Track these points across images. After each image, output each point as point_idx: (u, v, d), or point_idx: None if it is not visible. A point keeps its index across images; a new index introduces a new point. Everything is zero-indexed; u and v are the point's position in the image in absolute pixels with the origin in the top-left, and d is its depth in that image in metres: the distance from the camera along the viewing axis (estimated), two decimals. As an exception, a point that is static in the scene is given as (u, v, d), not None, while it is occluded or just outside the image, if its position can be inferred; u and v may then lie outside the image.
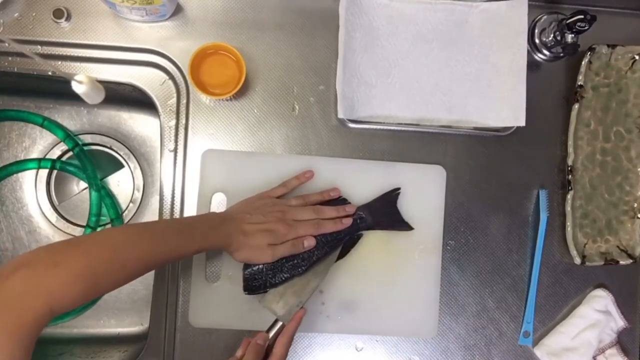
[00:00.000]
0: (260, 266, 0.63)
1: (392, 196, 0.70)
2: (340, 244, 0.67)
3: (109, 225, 0.84)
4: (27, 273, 0.43)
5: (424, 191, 0.72)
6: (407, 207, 0.71)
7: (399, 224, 0.70)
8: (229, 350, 0.69)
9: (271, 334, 0.60)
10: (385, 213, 0.70)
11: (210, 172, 0.70)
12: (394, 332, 0.71)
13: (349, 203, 0.69)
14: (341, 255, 0.68)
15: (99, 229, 0.83)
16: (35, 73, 0.70)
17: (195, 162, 0.70)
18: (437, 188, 0.72)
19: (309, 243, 0.64)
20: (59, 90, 0.74)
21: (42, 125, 0.82)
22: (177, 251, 0.56)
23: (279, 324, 0.61)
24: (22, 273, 0.43)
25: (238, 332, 0.69)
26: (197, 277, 0.68)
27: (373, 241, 0.70)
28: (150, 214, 0.88)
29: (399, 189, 0.71)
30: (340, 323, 0.69)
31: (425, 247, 0.71)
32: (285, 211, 0.64)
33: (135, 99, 0.76)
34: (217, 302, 0.68)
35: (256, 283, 0.63)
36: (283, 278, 0.63)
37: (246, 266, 0.64)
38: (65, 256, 0.46)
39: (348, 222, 0.67)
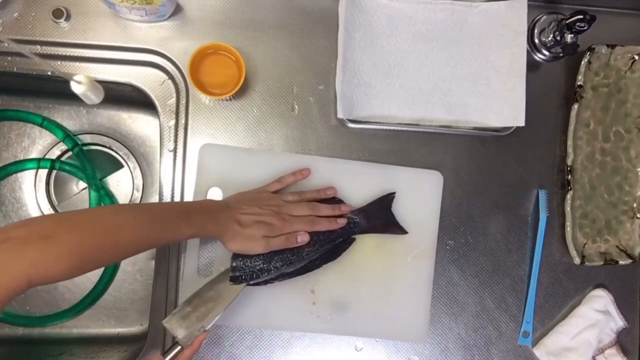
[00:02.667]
0: (249, 260, 0.63)
1: (386, 200, 0.70)
2: (332, 244, 0.67)
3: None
4: (15, 242, 0.43)
5: (420, 196, 0.72)
6: (402, 211, 0.71)
7: (394, 227, 0.70)
8: (229, 349, 0.69)
9: (168, 357, 0.59)
10: (379, 216, 0.70)
11: (208, 166, 0.69)
12: (384, 335, 0.71)
13: (344, 204, 0.69)
14: (333, 258, 0.68)
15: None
16: (34, 73, 0.70)
17: (195, 162, 0.70)
18: (433, 193, 0.72)
19: (303, 238, 0.64)
20: (59, 90, 0.74)
21: (41, 125, 0.82)
22: (171, 236, 0.56)
23: (178, 347, 0.59)
24: (10, 242, 0.42)
25: (238, 330, 0.69)
26: (189, 272, 0.68)
27: (367, 243, 0.70)
28: (150, 214, 0.87)
29: (394, 193, 0.71)
30: (330, 324, 0.69)
31: (419, 252, 0.71)
32: (281, 205, 0.65)
33: (134, 99, 0.76)
34: None
35: (242, 274, 0.63)
36: (270, 271, 0.64)
37: (235, 256, 0.64)
38: (56, 231, 0.45)
39: (342, 222, 0.67)
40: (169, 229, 0.55)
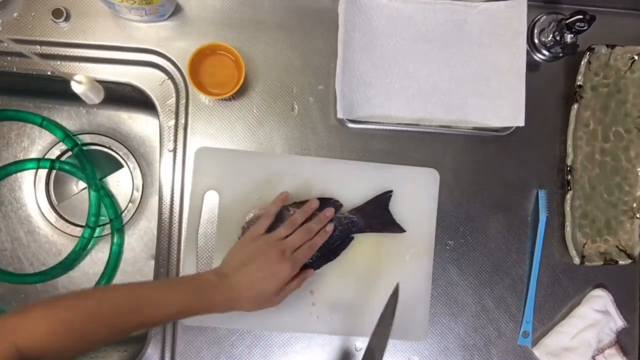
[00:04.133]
0: None
1: (383, 199, 0.70)
2: (332, 247, 0.67)
3: (108, 226, 0.84)
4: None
5: (416, 194, 0.72)
6: (399, 209, 0.71)
7: (391, 226, 0.70)
8: (229, 349, 0.69)
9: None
10: (376, 215, 0.70)
11: (204, 170, 0.69)
12: None
13: (340, 204, 0.69)
14: (332, 257, 0.68)
15: (98, 229, 0.83)
16: (34, 73, 0.70)
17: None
18: (430, 191, 0.72)
19: (310, 275, 0.65)
20: (58, 90, 0.74)
21: (41, 125, 0.82)
22: (165, 308, 0.53)
23: None
24: None
25: (237, 330, 0.69)
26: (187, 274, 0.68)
27: (365, 243, 0.70)
28: (150, 214, 0.87)
29: (391, 191, 0.71)
30: (330, 324, 0.69)
31: (417, 250, 0.71)
32: (280, 246, 0.61)
33: (134, 99, 0.76)
34: None
35: None
36: None
37: None
38: (32, 306, 0.47)
39: (330, 228, 0.66)
40: (159, 299, 0.53)
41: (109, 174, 0.88)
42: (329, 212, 0.67)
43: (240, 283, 0.58)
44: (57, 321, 0.47)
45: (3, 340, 0.43)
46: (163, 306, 0.53)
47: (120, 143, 0.88)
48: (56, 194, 0.87)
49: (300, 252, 0.63)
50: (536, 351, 0.73)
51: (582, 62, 0.72)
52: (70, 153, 0.85)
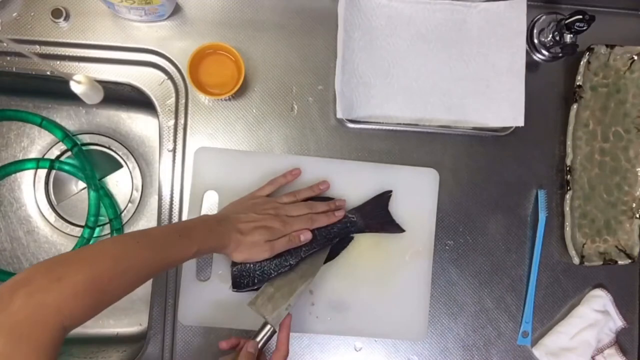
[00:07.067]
0: (249, 264, 0.63)
1: (383, 198, 0.70)
2: (330, 243, 0.67)
3: (107, 225, 0.84)
4: (29, 292, 0.41)
5: (416, 193, 0.72)
6: (399, 209, 0.71)
7: (390, 226, 0.70)
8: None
9: (258, 338, 0.60)
10: (376, 215, 0.70)
11: (203, 169, 0.69)
12: (384, 334, 0.71)
13: None
14: (330, 257, 0.68)
15: (97, 229, 0.83)
16: (33, 73, 0.70)
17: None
18: (429, 191, 0.72)
19: (306, 237, 0.64)
20: (58, 90, 0.74)
21: (40, 125, 0.82)
22: (177, 255, 0.55)
23: (267, 327, 0.60)
24: (22, 293, 0.41)
25: (238, 332, 0.69)
26: (187, 276, 0.68)
27: (364, 243, 0.70)
28: (149, 214, 0.87)
29: (390, 191, 0.71)
30: (329, 324, 0.69)
31: (417, 250, 0.71)
32: (278, 208, 0.64)
33: (134, 98, 0.76)
34: (207, 300, 0.68)
35: (244, 280, 0.63)
36: (271, 274, 0.64)
37: (234, 263, 0.64)
38: (66, 270, 0.45)
39: (340, 214, 0.67)
40: (173, 249, 0.54)
41: (109, 173, 0.88)
42: (340, 201, 0.68)
43: (233, 229, 0.60)
44: (96, 290, 0.46)
45: (54, 321, 0.42)
46: (183, 253, 0.55)
47: (119, 143, 0.88)
48: (56, 194, 0.87)
49: (297, 219, 0.64)
50: (536, 351, 0.73)
51: (582, 62, 0.73)
52: (69, 153, 0.85)
